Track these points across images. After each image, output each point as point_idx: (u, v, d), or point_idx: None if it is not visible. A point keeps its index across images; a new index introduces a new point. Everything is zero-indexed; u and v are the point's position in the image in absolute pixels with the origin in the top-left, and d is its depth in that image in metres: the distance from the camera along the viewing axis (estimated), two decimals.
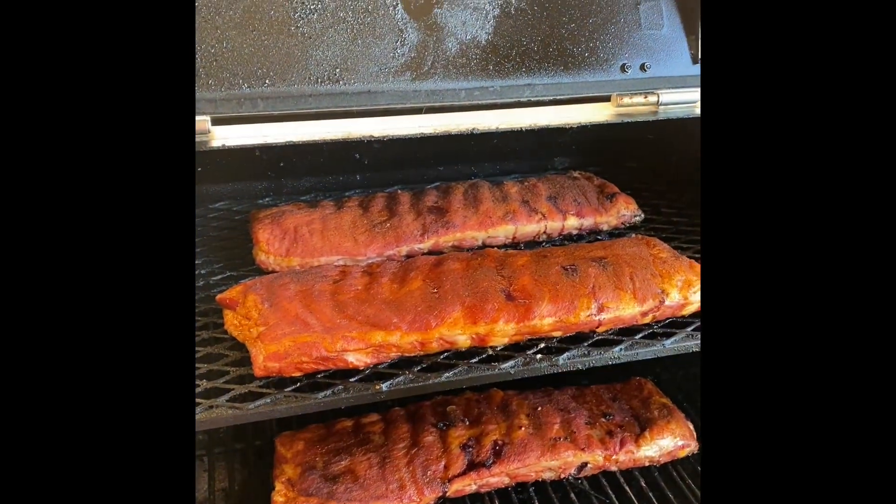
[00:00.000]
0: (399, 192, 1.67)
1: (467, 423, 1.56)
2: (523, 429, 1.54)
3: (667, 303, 1.32)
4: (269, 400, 1.14)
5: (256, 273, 1.47)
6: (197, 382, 1.16)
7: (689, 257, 1.45)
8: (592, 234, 1.69)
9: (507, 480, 1.51)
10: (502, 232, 1.60)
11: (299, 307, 1.22)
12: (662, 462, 1.64)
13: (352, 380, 1.19)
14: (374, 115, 1.37)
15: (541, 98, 1.44)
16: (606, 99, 1.51)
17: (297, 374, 1.17)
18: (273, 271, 1.45)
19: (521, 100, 1.43)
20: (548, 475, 1.55)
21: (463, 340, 1.23)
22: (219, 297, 1.31)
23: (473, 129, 1.40)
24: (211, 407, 1.12)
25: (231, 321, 1.27)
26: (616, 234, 1.69)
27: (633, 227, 1.72)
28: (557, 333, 1.28)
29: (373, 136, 1.35)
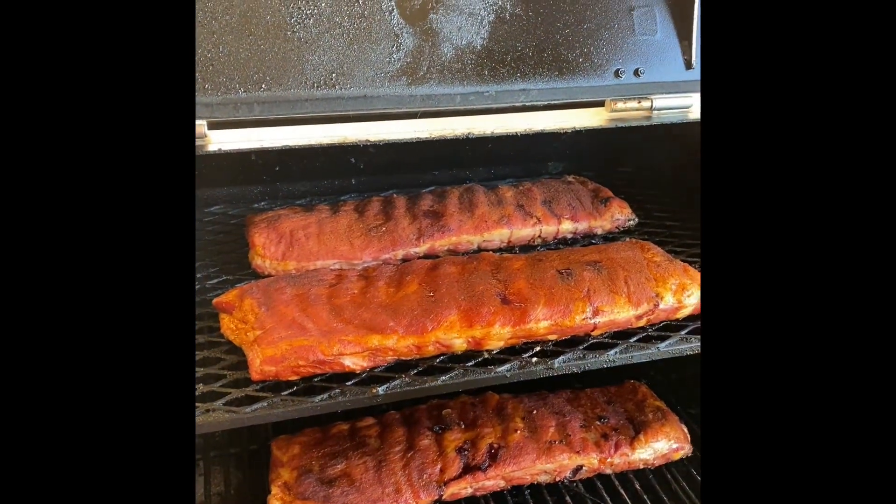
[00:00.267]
0: (395, 196, 1.68)
1: (463, 426, 1.57)
2: (519, 432, 1.55)
3: (661, 306, 1.33)
4: (266, 404, 1.14)
5: (252, 277, 1.47)
6: None
7: (683, 261, 1.46)
8: (587, 238, 1.70)
9: (502, 483, 1.52)
10: (497, 236, 1.60)
11: (296, 311, 1.22)
12: (657, 465, 1.65)
13: (348, 383, 1.19)
14: (370, 120, 1.38)
15: (535, 103, 1.45)
16: (601, 104, 1.52)
17: (294, 377, 1.18)
18: (269, 275, 1.46)
19: (516, 104, 1.44)
20: (543, 478, 1.55)
21: (459, 344, 1.23)
22: (215, 300, 1.31)
23: (469, 133, 1.41)
24: (208, 410, 1.12)
25: (227, 325, 1.27)
26: (610, 238, 1.70)
27: (628, 231, 1.73)
28: (553, 337, 1.29)
29: (368, 141, 1.36)
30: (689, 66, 1.52)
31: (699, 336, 1.34)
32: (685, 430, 1.67)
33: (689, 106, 1.52)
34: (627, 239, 1.60)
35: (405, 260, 1.51)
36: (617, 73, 1.49)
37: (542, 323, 1.25)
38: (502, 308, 1.25)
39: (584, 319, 1.27)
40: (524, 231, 1.62)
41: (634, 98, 1.50)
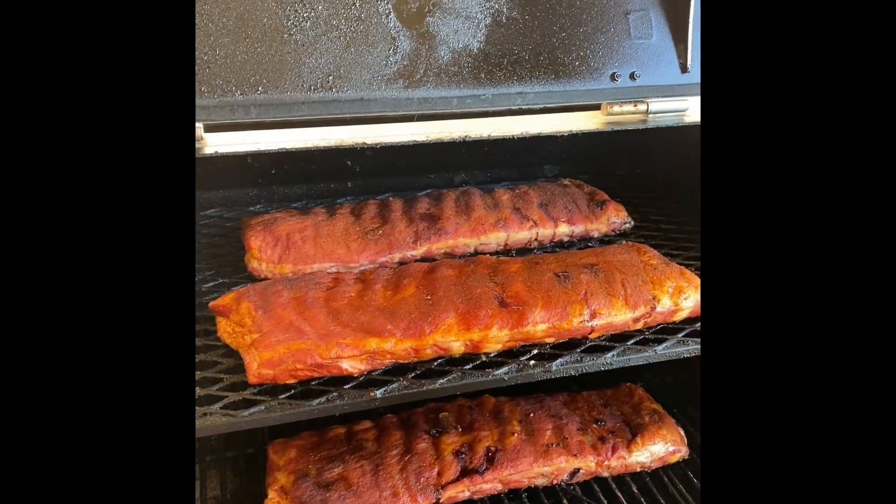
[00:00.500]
0: (391, 199, 1.68)
1: (460, 429, 1.56)
2: (516, 435, 1.55)
3: (658, 309, 1.33)
4: (263, 407, 1.14)
5: (248, 280, 1.47)
6: None
7: (679, 264, 1.46)
8: (583, 241, 1.70)
9: (499, 487, 1.52)
10: (494, 239, 1.61)
11: (293, 314, 1.22)
12: (654, 468, 1.65)
13: (346, 387, 1.19)
14: (367, 123, 1.37)
15: (532, 106, 1.45)
16: (597, 107, 1.52)
17: (292, 381, 1.17)
18: (265, 278, 1.45)
19: (513, 108, 1.44)
20: (540, 481, 1.55)
21: (457, 347, 1.23)
22: (212, 304, 1.30)
23: (465, 136, 1.41)
24: (205, 414, 1.11)
25: (224, 328, 1.27)
26: (606, 241, 1.71)
27: (623, 234, 1.74)
28: (550, 340, 1.29)
29: (365, 144, 1.35)
30: (684, 69, 1.53)
31: (696, 339, 1.34)
32: (682, 432, 1.67)
33: (685, 109, 1.52)
34: (623, 242, 1.60)
35: (402, 263, 1.51)
36: (613, 77, 1.49)
37: (539, 326, 1.25)
38: (500, 311, 1.25)
39: (581, 322, 1.27)
40: (521, 234, 1.63)
41: (630, 101, 1.50)
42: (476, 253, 1.59)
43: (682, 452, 1.66)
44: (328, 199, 1.84)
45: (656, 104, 1.51)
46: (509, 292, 1.28)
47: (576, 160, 2.07)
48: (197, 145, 1.26)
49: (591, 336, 1.32)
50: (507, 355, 1.28)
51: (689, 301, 1.35)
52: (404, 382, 1.20)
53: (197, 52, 1.24)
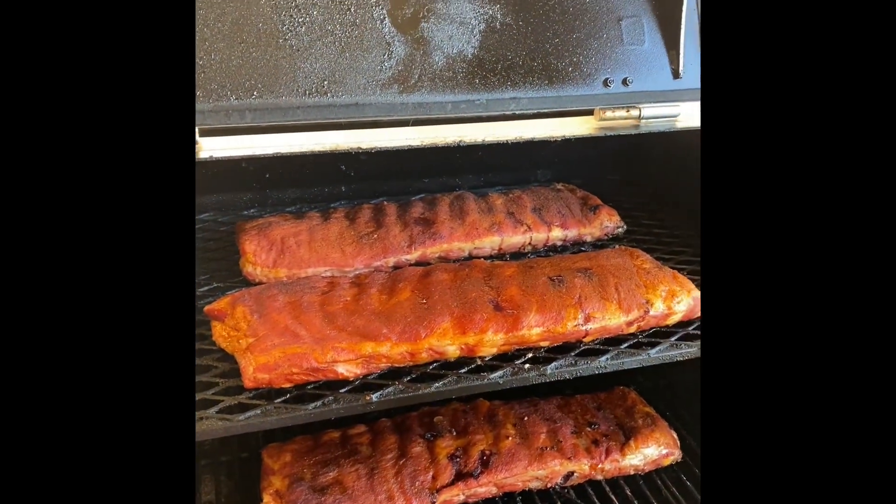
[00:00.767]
0: (385, 203, 1.68)
1: (454, 433, 1.57)
2: (510, 438, 1.55)
3: (651, 312, 1.34)
4: (259, 411, 1.14)
5: (243, 284, 1.47)
6: None
7: (672, 268, 1.48)
8: (576, 246, 1.71)
9: (494, 490, 1.52)
10: (488, 243, 1.61)
11: (288, 318, 1.22)
12: (647, 470, 1.66)
13: (342, 391, 1.19)
14: (362, 128, 1.38)
15: (525, 111, 1.46)
16: (589, 113, 1.53)
17: (287, 385, 1.17)
18: (260, 283, 1.45)
19: (507, 113, 1.45)
20: (535, 485, 1.56)
21: (452, 351, 1.24)
22: (207, 308, 1.30)
23: (459, 141, 1.42)
24: (201, 419, 1.11)
25: (219, 332, 1.27)
26: (599, 245, 1.72)
27: (616, 239, 1.75)
28: (545, 343, 1.30)
29: (360, 148, 1.36)
30: (676, 75, 1.54)
31: (689, 342, 1.35)
32: (675, 435, 1.68)
33: (677, 115, 1.53)
34: (617, 246, 1.61)
35: (396, 267, 1.52)
36: (606, 83, 1.51)
37: (534, 329, 1.26)
38: (495, 315, 1.25)
39: (575, 326, 1.28)
40: (515, 238, 1.63)
41: (623, 107, 1.52)
42: (471, 257, 1.60)
43: (675, 455, 1.67)
44: (323, 204, 1.84)
45: (648, 110, 1.52)
46: (504, 296, 1.29)
47: (569, 165, 2.08)
48: None
49: (586, 340, 1.33)
50: (502, 359, 1.28)
51: (682, 305, 1.36)
52: (400, 386, 1.20)
53: None
